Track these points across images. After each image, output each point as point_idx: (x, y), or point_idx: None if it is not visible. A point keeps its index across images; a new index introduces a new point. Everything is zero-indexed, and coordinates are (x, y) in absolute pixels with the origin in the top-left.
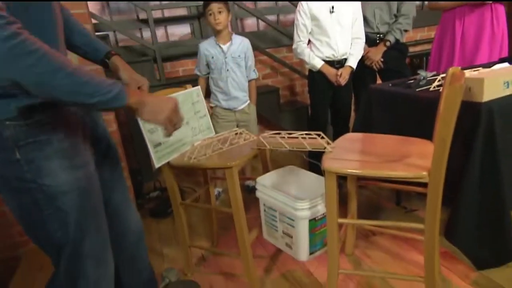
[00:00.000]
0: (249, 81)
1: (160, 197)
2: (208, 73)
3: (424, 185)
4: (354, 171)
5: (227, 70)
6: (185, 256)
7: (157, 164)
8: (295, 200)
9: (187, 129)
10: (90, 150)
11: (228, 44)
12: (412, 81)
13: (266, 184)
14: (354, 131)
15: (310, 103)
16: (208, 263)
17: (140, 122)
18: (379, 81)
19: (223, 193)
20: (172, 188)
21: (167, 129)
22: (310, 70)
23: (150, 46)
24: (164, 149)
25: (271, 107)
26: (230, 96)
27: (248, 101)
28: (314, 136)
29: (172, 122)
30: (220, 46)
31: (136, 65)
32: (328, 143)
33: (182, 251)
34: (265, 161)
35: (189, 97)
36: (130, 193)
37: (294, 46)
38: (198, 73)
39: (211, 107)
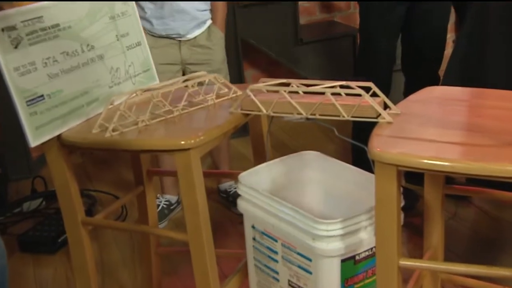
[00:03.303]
0: None
1: (44, 212)
2: None
3: None
4: (437, 162)
5: None
6: None
7: (34, 141)
8: (314, 219)
9: (102, 70)
10: None
11: None
12: None
13: (257, 186)
14: (445, 83)
15: (360, 29)
16: None
17: None
18: None
19: (177, 205)
20: (66, 191)
21: None
22: None
23: None
24: (51, 109)
25: (281, 35)
26: (171, 9)
27: (210, 22)
28: (358, 90)
29: None
30: None
31: None
32: (385, 106)
33: None
34: (259, 141)
35: (105, 6)
36: None
37: None
38: None
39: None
